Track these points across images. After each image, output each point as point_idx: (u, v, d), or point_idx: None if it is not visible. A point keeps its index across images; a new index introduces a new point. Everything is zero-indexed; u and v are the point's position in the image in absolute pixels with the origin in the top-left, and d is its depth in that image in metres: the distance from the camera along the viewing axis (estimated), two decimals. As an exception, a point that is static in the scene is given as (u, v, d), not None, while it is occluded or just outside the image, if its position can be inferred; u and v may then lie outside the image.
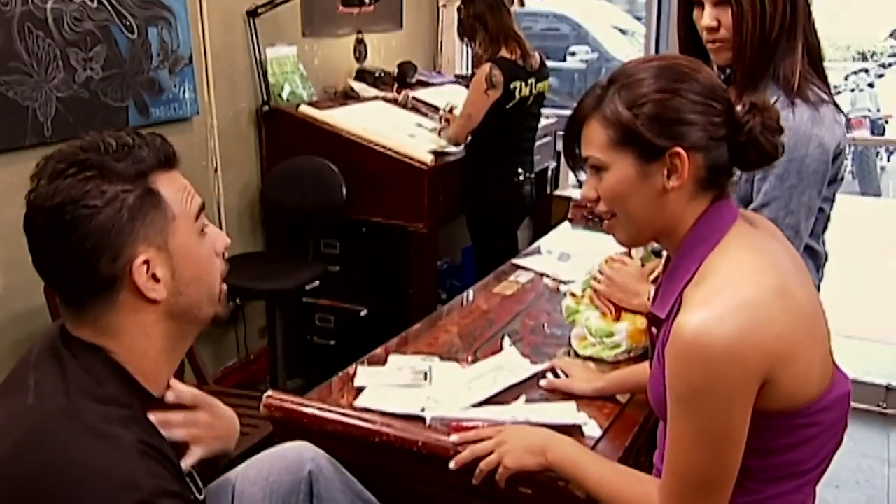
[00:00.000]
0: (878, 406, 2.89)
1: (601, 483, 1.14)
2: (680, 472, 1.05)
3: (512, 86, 2.92)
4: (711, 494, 1.04)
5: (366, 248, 3.10)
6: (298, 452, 1.29)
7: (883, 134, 6.32)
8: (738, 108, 1.07)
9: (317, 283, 2.83)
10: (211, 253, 1.07)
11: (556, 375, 1.50)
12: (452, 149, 3.05)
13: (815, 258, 1.56)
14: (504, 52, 2.94)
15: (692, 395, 1.00)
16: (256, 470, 1.27)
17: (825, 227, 1.59)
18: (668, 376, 1.03)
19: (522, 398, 1.42)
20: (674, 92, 1.04)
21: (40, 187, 0.96)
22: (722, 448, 1.02)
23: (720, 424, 1.01)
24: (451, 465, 1.23)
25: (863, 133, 6.14)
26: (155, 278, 0.99)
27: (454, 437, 1.26)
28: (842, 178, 1.56)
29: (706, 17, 1.48)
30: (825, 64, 1.54)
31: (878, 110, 6.61)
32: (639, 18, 6.93)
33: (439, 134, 3.10)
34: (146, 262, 0.98)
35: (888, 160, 6.85)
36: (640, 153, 1.06)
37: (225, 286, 1.10)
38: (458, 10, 3.12)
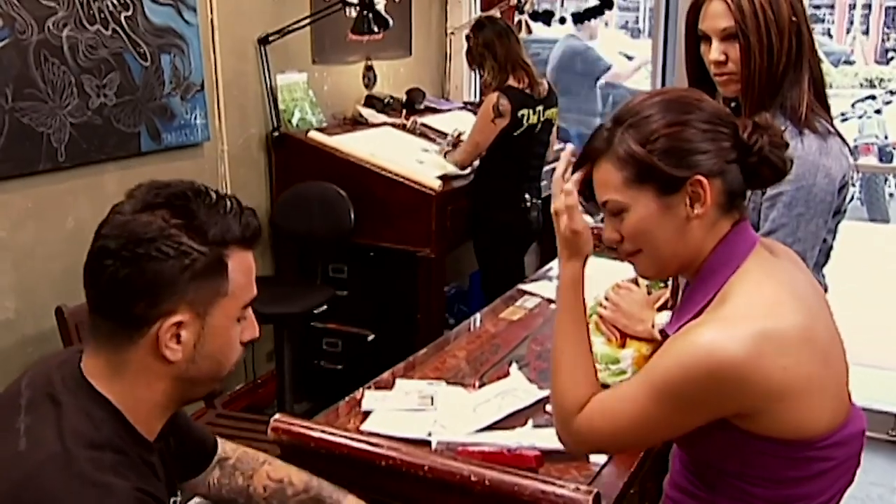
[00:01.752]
0: (888, 434, 2.87)
1: (560, 348, 1.15)
2: (607, 414, 1.07)
3: (520, 113, 2.95)
4: (614, 443, 1.12)
5: (373, 273, 3.11)
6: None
7: (891, 161, 6.32)
8: (742, 129, 1.08)
9: (324, 307, 2.85)
10: (237, 340, 1.05)
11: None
12: (460, 173, 3.07)
13: None
14: (512, 81, 2.97)
15: (671, 392, 1.01)
16: None
17: (826, 260, 1.59)
18: (657, 360, 1.04)
19: (531, 423, 1.43)
20: (684, 123, 1.05)
21: (128, 208, 0.97)
22: (655, 430, 1.06)
23: (674, 418, 1.03)
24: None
25: (870, 160, 6.14)
26: (178, 339, 0.98)
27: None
28: (845, 211, 1.56)
29: (714, 52, 1.50)
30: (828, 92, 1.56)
31: (886, 137, 6.61)
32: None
33: (444, 156, 3.13)
34: (179, 323, 0.97)
35: (896, 187, 6.85)
36: (659, 187, 1.06)
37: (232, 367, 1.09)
38: (467, 37, 3.16)
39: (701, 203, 1.06)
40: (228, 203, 1.01)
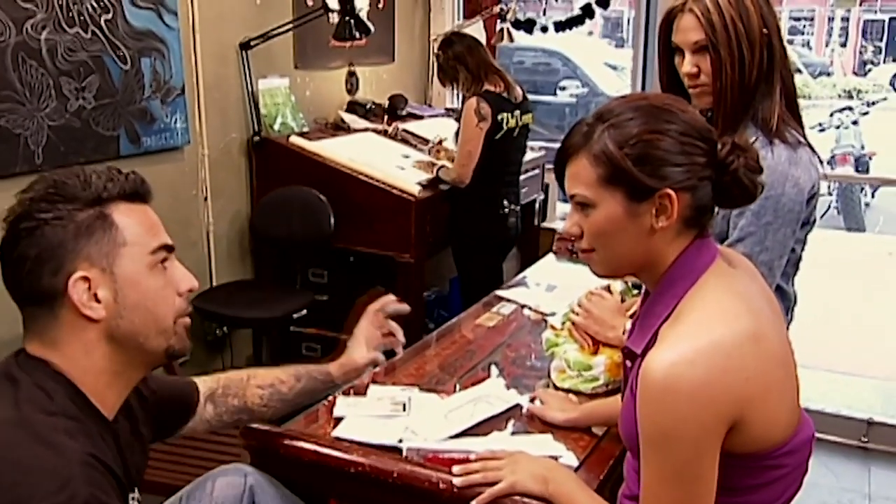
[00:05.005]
0: (860, 440, 2.90)
1: None
2: None
3: (499, 117, 2.96)
4: None
5: (353, 278, 3.11)
6: (238, 467, 1.36)
7: (867, 171, 6.41)
8: (720, 147, 1.08)
9: (304, 311, 2.85)
10: (165, 287, 1.08)
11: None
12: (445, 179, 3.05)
13: (785, 299, 1.58)
14: (488, 86, 2.99)
15: (662, 438, 1.01)
16: (200, 489, 1.33)
17: (796, 270, 1.61)
18: (639, 419, 1.03)
19: (510, 427, 1.44)
20: (663, 132, 1.05)
21: (13, 205, 1.04)
22: (693, 491, 1.02)
23: (690, 467, 1.01)
24: (458, 481, 1.25)
25: (847, 169, 6.23)
26: (96, 298, 1.02)
27: (456, 469, 1.27)
28: (814, 221, 1.57)
29: (686, 64, 1.52)
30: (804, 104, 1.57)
31: (863, 147, 6.71)
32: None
33: (438, 174, 3.05)
34: (86, 279, 1.02)
35: (872, 196, 6.94)
36: (629, 192, 1.06)
37: (187, 321, 1.12)
38: (437, 55, 3.14)
39: (667, 216, 1.06)
40: (102, 173, 1.06)
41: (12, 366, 1.04)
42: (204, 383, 1.37)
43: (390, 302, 1.53)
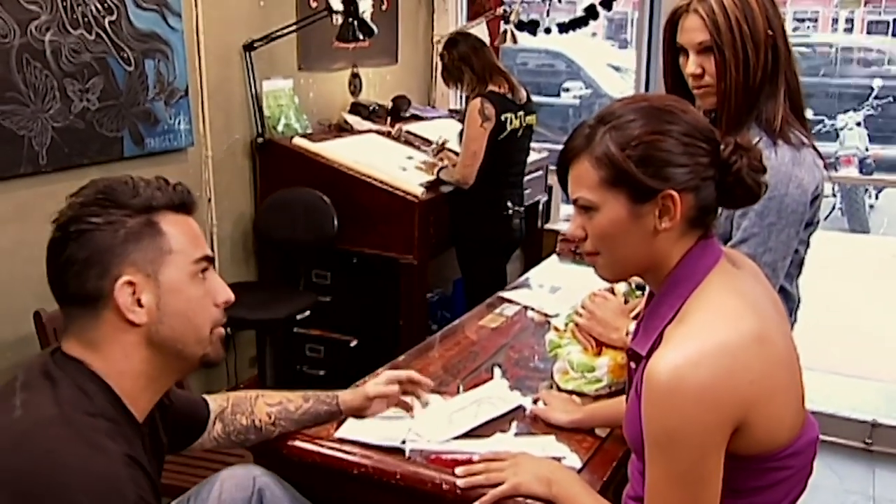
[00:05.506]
0: (864, 442, 2.89)
1: None
2: None
3: (503, 117, 2.96)
4: None
5: (357, 279, 3.12)
6: (248, 469, 1.36)
7: (871, 173, 6.40)
8: (723, 147, 1.08)
9: (307, 313, 2.85)
10: (204, 297, 1.11)
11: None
12: (445, 181, 3.06)
13: (789, 301, 1.58)
14: (492, 87, 2.99)
15: (667, 439, 1.01)
16: (208, 490, 1.33)
17: (800, 271, 1.61)
18: (643, 419, 1.04)
19: (513, 429, 1.44)
20: (665, 133, 1.05)
21: (64, 209, 1.06)
22: (697, 492, 1.01)
23: (695, 469, 1.01)
24: (461, 482, 1.25)
25: (851, 171, 6.22)
26: (139, 303, 1.04)
27: (459, 470, 1.27)
28: (817, 222, 1.57)
29: (691, 65, 1.52)
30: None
31: (867, 149, 6.70)
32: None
33: (438, 174, 3.05)
34: (131, 283, 1.03)
35: (876, 198, 6.94)
36: (631, 194, 1.06)
37: (221, 332, 1.14)
38: (442, 55, 3.14)
39: (670, 217, 1.06)
40: (151, 182, 1.09)
41: (48, 363, 1.05)
42: (214, 401, 1.38)
43: (424, 380, 1.52)
